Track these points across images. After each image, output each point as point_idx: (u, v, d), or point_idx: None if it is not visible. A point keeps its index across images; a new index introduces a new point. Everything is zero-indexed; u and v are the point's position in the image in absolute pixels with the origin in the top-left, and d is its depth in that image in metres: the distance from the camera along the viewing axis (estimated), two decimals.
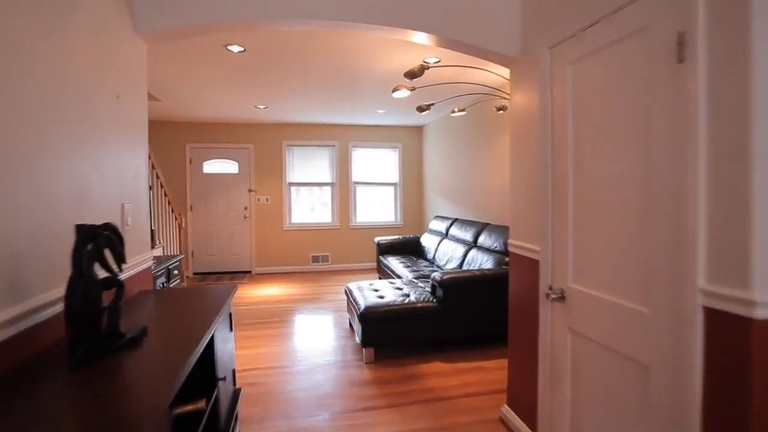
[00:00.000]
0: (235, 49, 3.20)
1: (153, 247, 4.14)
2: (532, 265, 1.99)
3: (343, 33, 2.91)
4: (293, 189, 6.81)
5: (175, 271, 3.29)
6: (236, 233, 6.55)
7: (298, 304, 4.84)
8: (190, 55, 3.34)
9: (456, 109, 3.74)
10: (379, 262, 5.76)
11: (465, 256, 4.33)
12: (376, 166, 7.04)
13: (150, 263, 1.94)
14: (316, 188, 6.99)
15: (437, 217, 5.84)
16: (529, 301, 2.04)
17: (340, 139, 6.83)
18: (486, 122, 4.68)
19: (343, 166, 6.85)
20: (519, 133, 2.17)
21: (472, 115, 4.95)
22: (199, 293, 1.75)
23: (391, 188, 7.13)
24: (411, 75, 2.54)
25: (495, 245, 3.89)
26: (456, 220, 5.22)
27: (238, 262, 6.57)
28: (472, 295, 3.30)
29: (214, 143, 6.45)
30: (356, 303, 3.34)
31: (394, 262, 5.16)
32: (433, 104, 3.39)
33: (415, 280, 4.02)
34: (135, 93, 1.82)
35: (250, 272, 6.60)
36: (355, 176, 6.94)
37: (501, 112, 3.78)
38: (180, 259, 3.43)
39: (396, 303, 3.24)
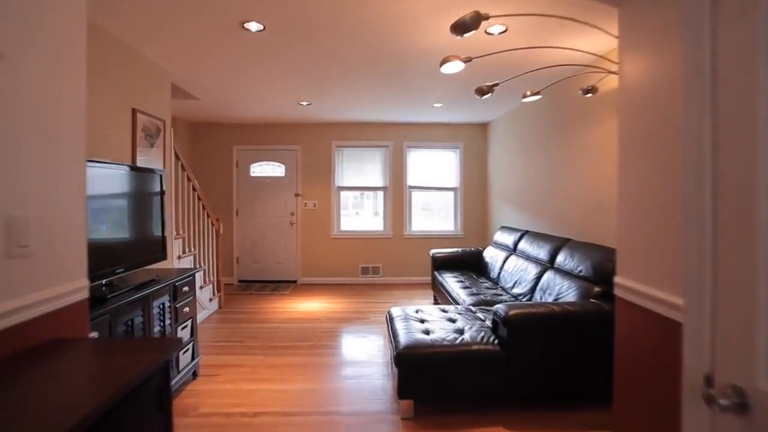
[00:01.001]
0: (253, 27, 2.68)
1: (181, 255, 3.78)
2: (664, 329, 1.17)
3: None
4: (342, 194, 6.29)
5: (185, 288, 2.84)
6: (282, 240, 6.16)
7: (339, 325, 4.24)
8: (204, 37, 2.89)
9: (528, 92, 2.92)
10: (433, 278, 5.01)
11: (538, 279, 3.45)
12: (434, 169, 6.30)
13: (83, 296, 1.40)
14: (367, 193, 6.42)
15: (504, 228, 4.96)
16: (654, 390, 1.21)
17: (394, 139, 6.19)
18: (566, 110, 3.76)
19: (397, 169, 6.20)
20: (638, 116, 1.36)
21: (548, 101, 4.04)
22: (117, 354, 1.17)
23: (451, 194, 6.34)
24: (461, 28, 1.72)
25: (579, 269, 2.98)
26: (526, 232, 4.32)
27: (284, 270, 6.18)
28: (548, 338, 2.45)
29: (261, 145, 6.13)
30: (395, 338, 2.65)
31: (450, 280, 4.39)
32: (497, 84, 2.62)
33: (473, 308, 3.23)
34: (49, 50, 1.28)
35: (295, 282, 6.18)
36: (411, 180, 6.25)
37: (589, 95, 2.89)
38: (193, 274, 2.97)
39: (445, 343, 2.49)
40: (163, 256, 2.90)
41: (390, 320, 3.02)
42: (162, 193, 2.89)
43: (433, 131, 6.21)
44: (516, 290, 3.72)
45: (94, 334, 1.88)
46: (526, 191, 4.78)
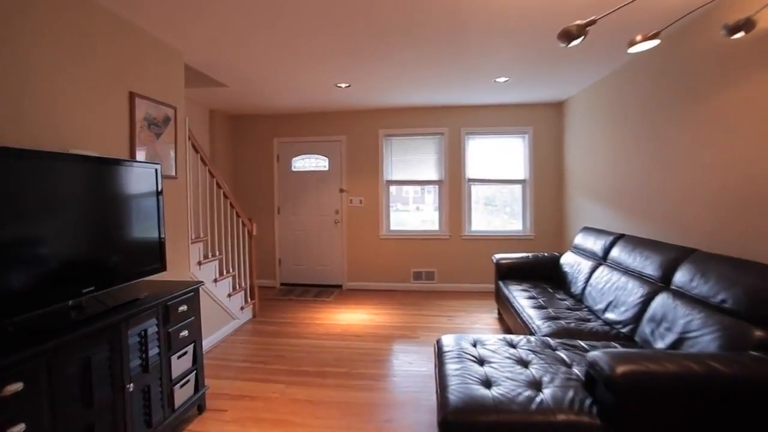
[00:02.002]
0: None
1: (202, 262, 3.32)
2: None
3: None
4: (392, 188, 5.60)
5: (182, 308, 2.30)
6: (326, 241, 5.62)
7: (382, 345, 3.57)
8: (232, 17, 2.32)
9: (639, 37, 2.00)
10: (498, 288, 4.15)
11: (645, 303, 2.50)
12: (498, 159, 5.38)
13: None
14: (419, 188, 5.66)
15: (587, 229, 3.96)
16: None
17: (450, 125, 5.37)
18: (695, 64, 2.72)
19: (454, 160, 5.37)
20: None
21: (663, 54, 3.03)
22: None
23: (518, 188, 5.39)
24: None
25: (720, 297, 2.01)
26: (621, 236, 3.33)
27: (328, 274, 5.64)
28: (683, 414, 1.56)
29: (302, 136, 5.62)
30: (442, 389, 1.90)
31: (519, 295, 3.53)
32: (592, 23, 1.75)
33: (552, 342, 2.37)
34: None
35: (340, 287, 5.62)
36: (470, 172, 5.40)
37: (738, 35, 1.91)
38: (195, 289, 2.44)
39: (514, 407, 1.70)
40: (160, 267, 2.40)
41: (438, 356, 2.27)
42: (159, 192, 2.39)
43: (496, 114, 5.29)
44: (611, 315, 2.78)
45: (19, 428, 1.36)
46: (618, 183, 3.74)
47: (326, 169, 5.60)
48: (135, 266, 2.20)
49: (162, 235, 2.40)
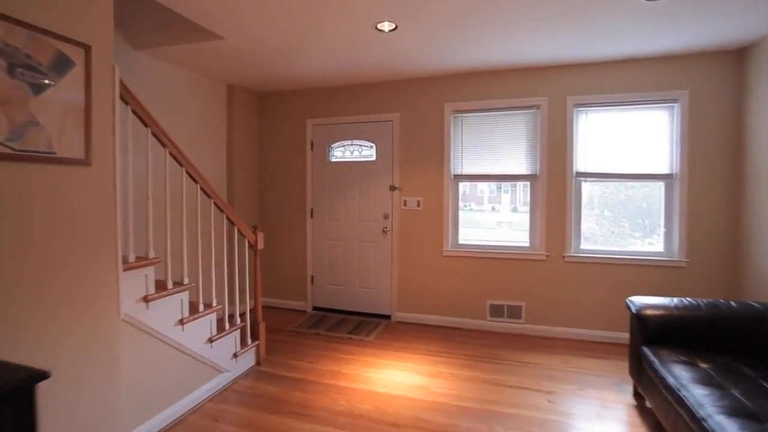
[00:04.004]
0: None
1: (151, 297, 2.10)
2: None
3: None
4: (462, 186, 4.03)
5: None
6: (371, 255, 4.22)
7: None
8: None
9: None
10: (639, 357, 2.41)
11: None
12: (626, 143, 3.54)
13: None
14: (502, 186, 4.03)
15: None
16: None
17: (550, 94, 3.65)
18: None
19: (555, 144, 3.65)
20: None
21: None
22: None
23: (658, 186, 3.51)
24: None
25: None
26: None
27: (373, 299, 4.23)
28: None
29: (342, 116, 4.26)
30: None
31: (697, 392, 1.81)
32: None
33: None
34: None
35: (388, 318, 4.18)
36: (581, 163, 3.64)
37: None
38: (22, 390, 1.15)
39: None
40: None
41: None
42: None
43: (626, 73, 3.46)
44: None
45: None
46: None
47: (372, 159, 4.19)
48: None
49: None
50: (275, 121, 4.53)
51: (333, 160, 4.33)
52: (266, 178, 4.58)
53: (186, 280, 2.45)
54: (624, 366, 3.07)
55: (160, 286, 2.29)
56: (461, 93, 3.88)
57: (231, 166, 4.20)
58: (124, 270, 2.01)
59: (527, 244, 3.81)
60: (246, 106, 4.37)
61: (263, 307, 4.58)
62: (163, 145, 2.30)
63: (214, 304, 2.69)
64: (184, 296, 2.43)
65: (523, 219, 3.95)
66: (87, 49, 1.80)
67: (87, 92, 1.80)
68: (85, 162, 1.80)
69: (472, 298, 3.91)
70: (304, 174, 4.41)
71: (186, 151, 3.69)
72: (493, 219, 4.10)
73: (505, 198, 4.15)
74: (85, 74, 1.80)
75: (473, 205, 4.10)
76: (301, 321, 4.12)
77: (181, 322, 2.40)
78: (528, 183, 3.80)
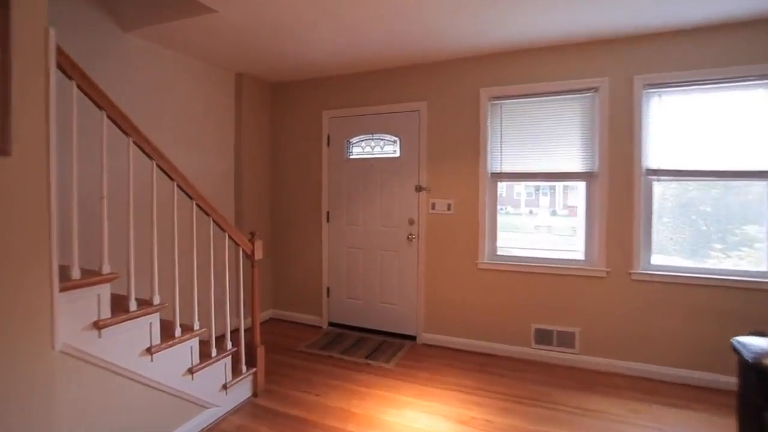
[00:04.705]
0: None
1: (103, 322, 1.65)
2: None
3: None
4: (501, 187, 3.41)
5: None
6: (394, 265, 3.67)
7: None
8: None
9: None
10: (762, 429, 1.71)
11: None
12: (714, 132, 2.80)
13: None
14: (541, 187, 3.39)
15: None
16: None
17: (612, 73, 2.98)
18: None
19: (619, 135, 2.97)
20: None
21: None
22: None
23: (762, 186, 2.74)
24: None
25: None
26: None
27: (396, 317, 3.68)
28: None
29: (362, 107, 3.75)
30: None
31: None
32: None
33: None
34: None
35: (413, 339, 3.61)
36: (652, 158, 2.93)
37: None
38: None
39: None
40: None
41: None
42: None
43: (717, 42, 2.73)
44: None
45: None
46: None
47: (396, 155, 3.65)
48: None
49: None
50: (288, 113, 4.08)
51: (352, 157, 3.81)
52: (278, 178, 4.14)
53: (157, 299, 2.00)
54: (720, 423, 2.35)
55: (121, 308, 1.85)
56: (500, 76, 3.27)
57: (239, 164, 3.78)
58: (64, 289, 1.57)
59: (582, 257, 3.13)
60: (256, 97, 3.95)
61: (273, 320, 4.13)
62: (126, 134, 1.86)
63: (196, 326, 2.23)
64: (154, 319, 1.98)
65: (563, 223, 3.30)
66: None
67: (5, 58, 1.37)
68: (4, 153, 1.37)
69: (514, 320, 3.27)
70: (320, 173, 3.93)
71: (186, 147, 3.30)
72: (530, 223, 3.47)
73: (544, 201, 3.52)
74: (4, 39, 1.38)
75: (509, 209, 3.48)
76: (315, 339, 3.63)
77: (149, 351, 1.95)
78: (583, 183, 3.13)
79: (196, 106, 3.43)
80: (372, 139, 3.73)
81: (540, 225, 3.48)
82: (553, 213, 3.48)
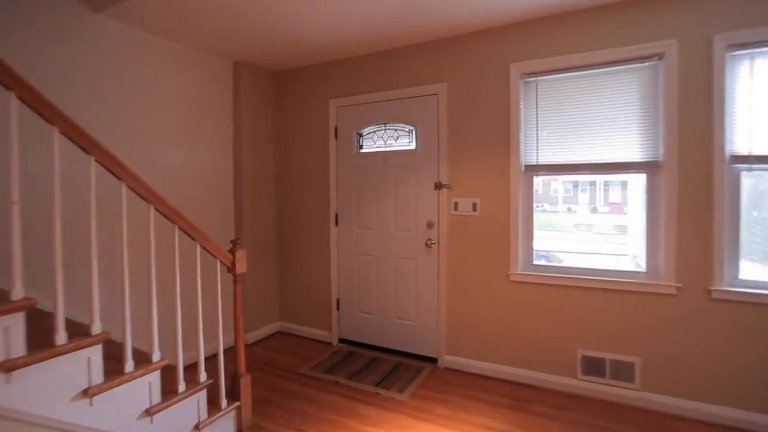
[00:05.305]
0: None
1: (47, 350, 1.25)
2: None
3: None
4: (537, 182, 2.83)
5: None
6: (411, 276, 3.17)
7: None
8: None
9: None
10: None
11: None
12: None
13: None
14: (579, 183, 2.77)
15: None
16: None
17: (680, 34, 2.33)
18: None
19: (691, 115, 2.32)
20: None
21: None
22: None
23: None
24: None
25: None
26: None
27: (414, 335, 3.18)
28: None
29: (372, 92, 3.26)
30: None
31: None
32: None
33: None
34: None
35: (434, 362, 3.10)
36: (739, 142, 2.27)
37: None
38: None
39: None
40: None
41: None
42: None
43: None
44: None
45: None
46: None
47: (412, 147, 3.14)
48: None
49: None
50: (292, 104, 3.67)
51: (362, 151, 3.34)
52: (282, 177, 3.74)
53: (97, 327, 1.61)
54: None
55: (45, 341, 1.47)
56: (533, 47, 2.68)
57: (238, 162, 3.41)
58: None
59: (644, 269, 2.50)
60: (257, 88, 3.56)
61: (280, 333, 3.74)
62: (50, 122, 1.48)
63: (156, 357, 1.83)
64: (93, 352, 1.59)
65: (603, 220, 2.68)
66: None
67: None
68: None
69: (555, 343, 2.69)
70: (327, 170, 3.49)
71: (175, 145, 2.95)
72: (569, 221, 2.86)
73: (583, 197, 2.90)
74: None
75: (546, 206, 2.89)
76: (321, 359, 3.19)
77: (87, 393, 1.56)
78: (646, 174, 2.50)
79: (187, 98, 3.07)
80: (384, 130, 3.24)
81: (580, 223, 2.86)
82: (594, 210, 2.85)
